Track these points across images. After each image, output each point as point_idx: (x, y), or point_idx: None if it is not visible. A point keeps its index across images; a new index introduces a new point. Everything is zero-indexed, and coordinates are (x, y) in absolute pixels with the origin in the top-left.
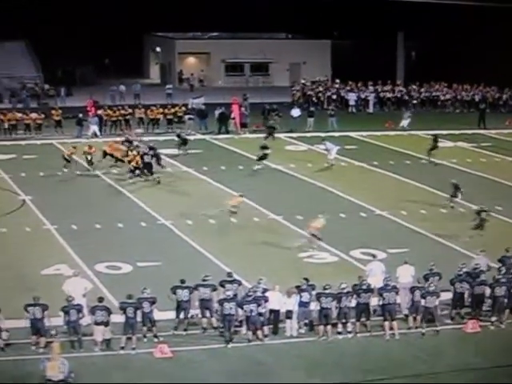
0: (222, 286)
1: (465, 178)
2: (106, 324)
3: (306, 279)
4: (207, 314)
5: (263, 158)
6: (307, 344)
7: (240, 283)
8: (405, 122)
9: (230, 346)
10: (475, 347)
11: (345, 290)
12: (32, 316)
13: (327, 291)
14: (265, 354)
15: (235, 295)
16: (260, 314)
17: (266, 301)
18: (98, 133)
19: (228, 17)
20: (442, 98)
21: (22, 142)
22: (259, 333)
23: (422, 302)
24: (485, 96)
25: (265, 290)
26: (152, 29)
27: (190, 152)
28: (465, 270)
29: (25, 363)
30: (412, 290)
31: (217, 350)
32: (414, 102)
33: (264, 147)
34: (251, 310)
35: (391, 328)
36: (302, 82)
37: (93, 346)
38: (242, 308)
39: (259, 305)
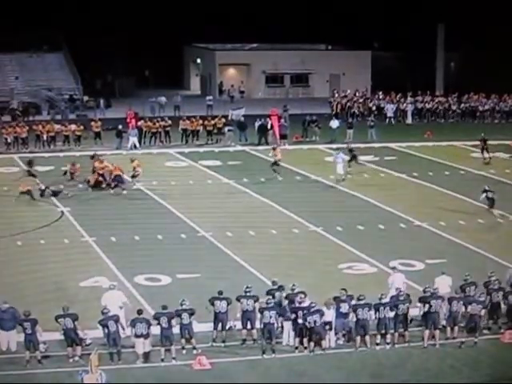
0: (271, 294)
1: (502, 189)
2: (146, 336)
3: (345, 290)
4: (249, 325)
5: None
6: (345, 355)
7: (284, 289)
8: None
9: (270, 356)
10: None
11: (383, 301)
12: (64, 326)
13: (362, 302)
14: (303, 366)
15: (278, 304)
16: (325, 324)
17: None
18: (138, 144)
19: (268, 28)
20: (481, 108)
21: (61, 154)
22: (323, 343)
23: (468, 308)
24: None
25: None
26: (192, 40)
27: (229, 163)
28: (494, 278)
29: (63, 376)
30: (450, 300)
31: (255, 361)
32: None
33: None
34: (315, 321)
35: (433, 337)
36: (342, 93)
37: (133, 359)
38: (283, 316)
39: (322, 315)
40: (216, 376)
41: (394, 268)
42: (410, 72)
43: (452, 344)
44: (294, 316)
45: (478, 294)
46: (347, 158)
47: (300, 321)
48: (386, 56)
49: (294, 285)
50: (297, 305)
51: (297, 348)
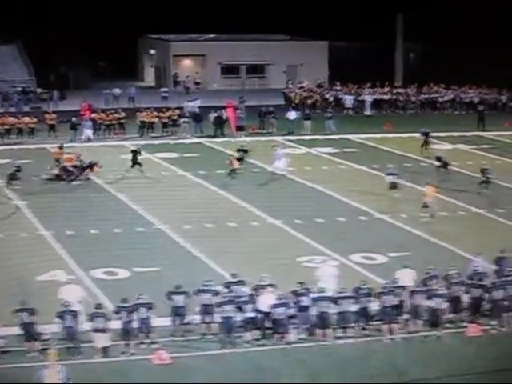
0: (227, 287)
1: (466, 181)
2: (105, 331)
3: (301, 283)
4: (207, 319)
5: None
6: (307, 349)
7: (244, 283)
8: None
9: (230, 350)
10: (477, 351)
11: (344, 294)
12: (22, 321)
13: (323, 294)
14: (265, 360)
15: (236, 297)
16: (291, 317)
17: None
18: (92, 137)
19: (224, 18)
20: (441, 99)
21: (15, 147)
22: (287, 336)
23: (432, 303)
24: (483, 98)
25: (258, 287)
26: (147, 31)
27: (185, 156)
28: (453, 272)
29: (22, 371)
30: (411, 293)
31: (216, 355)
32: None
33: None
34: (279, 314)
35: (390, 331)
36: (298, 84)
37: (92, 353)
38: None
39: (289, 308)
40: (176, 370)
41: (325, 260)
42: (368, 63)
43: (415, 338)
44: (248, 308)
45: (441, 288)
46: (287, 151)
47: (249, 314)
48: (344, 46)
49: (263, 276)
50: (248, 297)
51: (248, 342)
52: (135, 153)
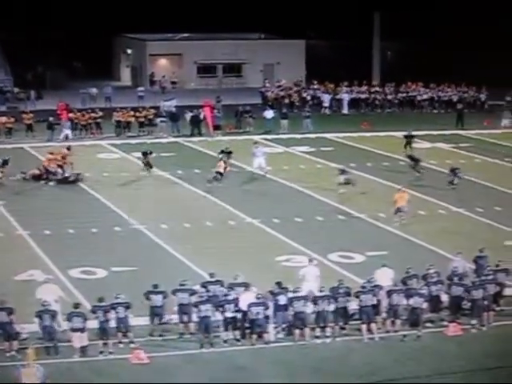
0: (205, 287)
1: (444, 180)
2: (83, 330)
3: (279, 283)
4: (185, 319)
5: None
6: (286, 349)
7: (223, 284)
8: (504, 121)
9: (208, 350)
10: (457, 350)
11: (321, 294)
12: None
13: (299, 294)
14: (243, 359)
15: (214, 296)
16: (267, 317)
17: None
18: (71, 136)
19: (200, 17)
20: (419, 98)
21: None
22: (266, 336)
23: (410, 301)
24: (462, 96)
25: (232, 286)
26: (123, 30)
27: (162, 155)
28: (432, 270)
29: (0, 370)
30: (389, 293)
31: (194, 355)
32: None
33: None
34: (257, 313)
35: (369, 330)
36: (276, 83)
37: (70, 353)
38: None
39: (267, 308)
40: (154, 370)
41: (310, 260)
42: (345, 61)
43: (394, 337)
44: (228, 308)
45: (420, 287)
46: (267, 150)
47: (228, 314)
48: (321, 45)
49: (237, 274)
50: (234, 296)
51: (226, 342)
52: (146, 154)
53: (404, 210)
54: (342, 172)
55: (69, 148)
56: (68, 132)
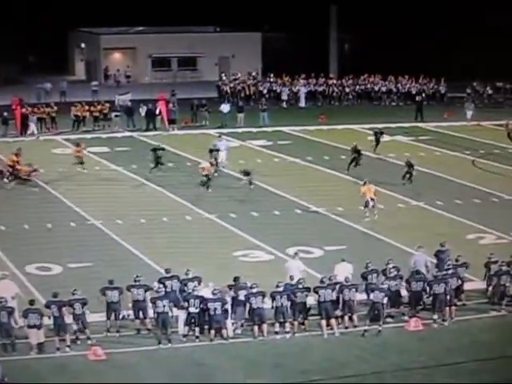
0: (162, 283)
1: (400, 173)
2: (39, 327)
3: (236, 278)
4: (141, 315)
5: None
6: (244, 344)
7: (179, 278)
8: (469, 113)
9: (166, 346)
10: (418, 345)
11: (280, 289)
12: None
13: (255, 290)
14: (201, 355)
15: (170, 292)
16: (226, 311)
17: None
18: (36, 131)
19: (154, 10)
20: (377, 89)
21: None
22: (224, 331)
23: (371, 296)
24: (421, 88)
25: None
26: (76, 24)
27: (117, 150)
28: (391, 266)
29: None
30: (340, 288)
31: (151, 351)
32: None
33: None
34: (215, 309)
35: (328, 325)
36: (232, 76)
37: (27, 350)
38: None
39: (224, 303)
40: (112, 366)
41: (296, 254)
42: (302, 54)
43: (355, 333)
44: (186, 304)
45: (382, 282)
46: (231, 144)
47: (192, 309)
48: (278, 38)
49: (188, 270)
50: (191, 292)
51: (185, 336)
52: (155, 150)
53: (374, 202)
54: (245, 174)
55: (78, 144)
56: (34, 127)
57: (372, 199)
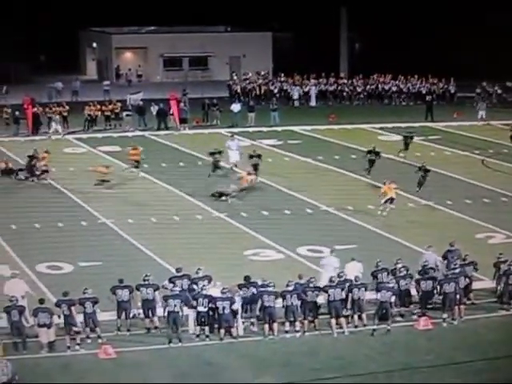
0: (172, 282)
1: (413, 172)
2: (50, 326)
3: (246, 277)
4: (150, 314)
5: None
6: (254, 343)
7: (190, 278)
8: (481, 113)
9: (176, 345)
10: (427, 345)
11: (290, 288)
12: None
13: (269, 289)
14: (211, 354)
15: (182, 291)
16: (233, 311)
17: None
18: (60, 130)
19: (165, 10)
20: (387, 89)
21: None
22: (233, 330)
23: (378, 295)
24: (431, 88)
25: (207, 278)
26: (88, 24)
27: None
28: (400, 265)
29: None
30: (350, 288)
31: (161, 349)
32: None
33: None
34: (224, 308)
35: (339, 325)
36: (243, 76)
37: (37, 348)
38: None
39: (233, 302)
40: (122, 365)
41: (332, 250)
42: (312, 54)
43: (364, 332)
44: (195, 303)
45: (389, 281)
46: (242, 143)
47: (201, 308)
48: (288, 37)
49: (199, 268)
50: (199, 291)
51: (198, 336)
52: (213, 154)
53: (392, 202)
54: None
55: (135, 148)
56: (58, 126)
57: (392, 199)
